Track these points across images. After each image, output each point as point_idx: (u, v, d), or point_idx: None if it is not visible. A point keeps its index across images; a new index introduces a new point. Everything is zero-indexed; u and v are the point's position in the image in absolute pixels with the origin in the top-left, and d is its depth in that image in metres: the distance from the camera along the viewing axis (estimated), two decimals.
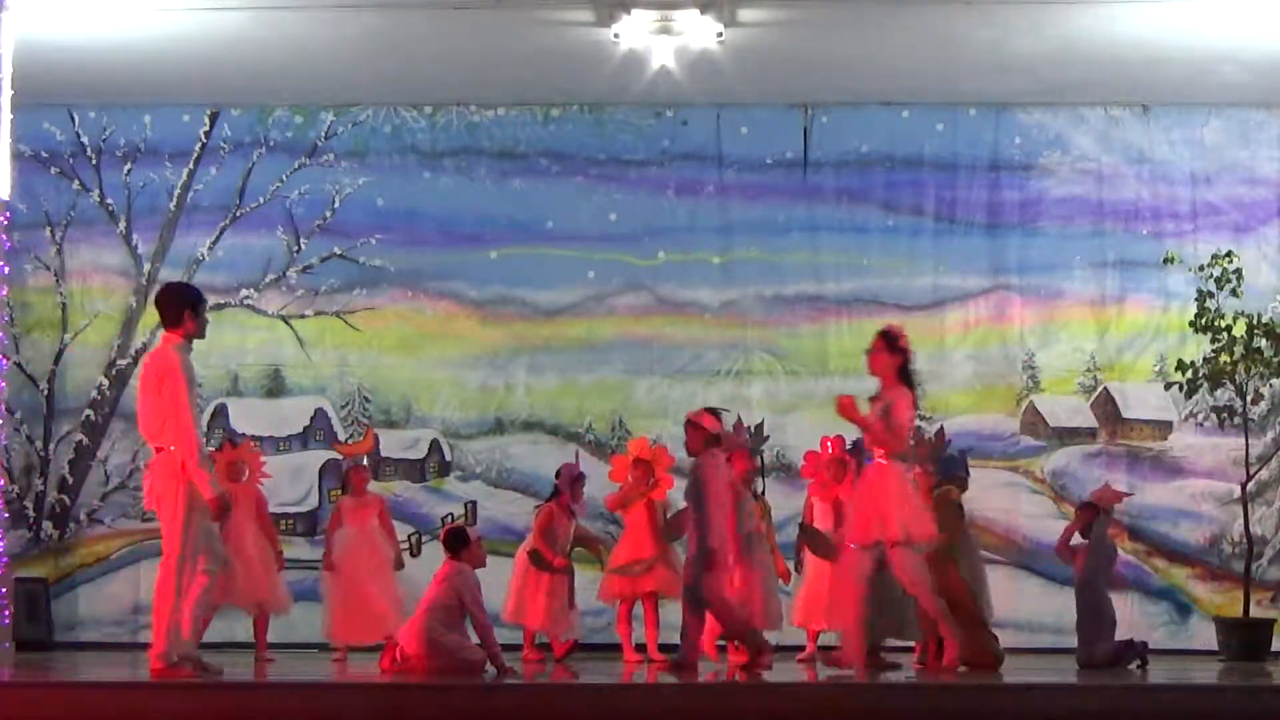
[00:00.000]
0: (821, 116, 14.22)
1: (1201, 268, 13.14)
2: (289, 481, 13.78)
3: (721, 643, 12.12)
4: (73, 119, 14.26)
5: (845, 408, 10.21)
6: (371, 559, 12.25)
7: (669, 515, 12.24)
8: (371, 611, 12.07)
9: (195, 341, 13.95)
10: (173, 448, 9.39)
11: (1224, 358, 12.89)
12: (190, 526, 9.36)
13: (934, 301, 14.13)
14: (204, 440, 9.59)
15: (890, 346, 10.47)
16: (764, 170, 14.20)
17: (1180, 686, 9.89)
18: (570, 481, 12.12)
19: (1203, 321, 12.99)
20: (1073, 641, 13.13)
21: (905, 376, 10.46)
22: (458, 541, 10.46)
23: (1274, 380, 13.28)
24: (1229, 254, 13.11)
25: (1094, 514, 11.73)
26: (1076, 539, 11.80)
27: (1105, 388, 14.04)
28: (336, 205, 14.24)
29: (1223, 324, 12.93)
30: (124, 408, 14.09)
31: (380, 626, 11.90)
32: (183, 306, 9.68)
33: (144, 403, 9.58)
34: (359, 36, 12.59)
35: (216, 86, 13.78)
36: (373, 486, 12.85)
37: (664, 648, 12.24)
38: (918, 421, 13.68)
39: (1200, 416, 13.78)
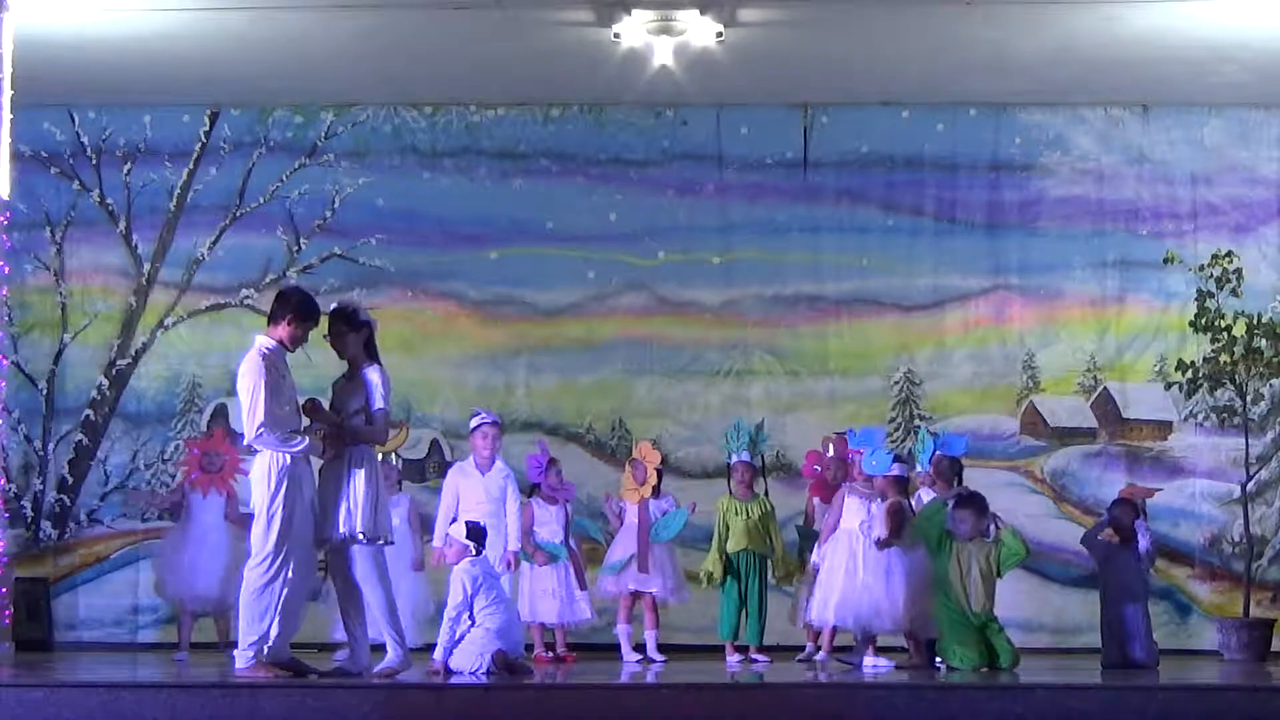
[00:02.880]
0: (821, 116, 14.22)
1: (1201, 268, 13.14)
2: None
3: (737, 642, 12.17)
4: (73, 119, 14.25)
5: (313, 411, 9.72)
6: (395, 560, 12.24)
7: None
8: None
9: (194, 342, 14.21)
10: (255, 446, 9.56)
11: (1224, 358, 12.89)
12: (276, 524, 9.51)
13: (934, 301, 14.12)
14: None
15: (352, 322, 9.83)
16: (764, 170, 14.20)
17: (1180, 686, 9.88)
18: (537, 471, 12.06)
19: (1203, 321, 12.98)
20: (1073, 642, 13.19)
21: (373, 352, 9.87)
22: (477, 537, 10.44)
23: (1274, 380, 13.29)
24: (1229, 254, 13.11)
25: (1134, 512, 11.66)
26: (1109, 535, 11.73)
27: (1105, 388, 14.03)
28: (336, 205, 14.24)
29: (1223, 324, 12.93)
30: (123, 408, 14.11)
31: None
32: (286, 312, 9.75)
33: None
34: (359, 36, 12.58)
35: (216, 86, 13.78)
36: None
37: (663, 647, 12.26)
38: (919, 423, 13.78)
39: (1200, 416, 13.77)
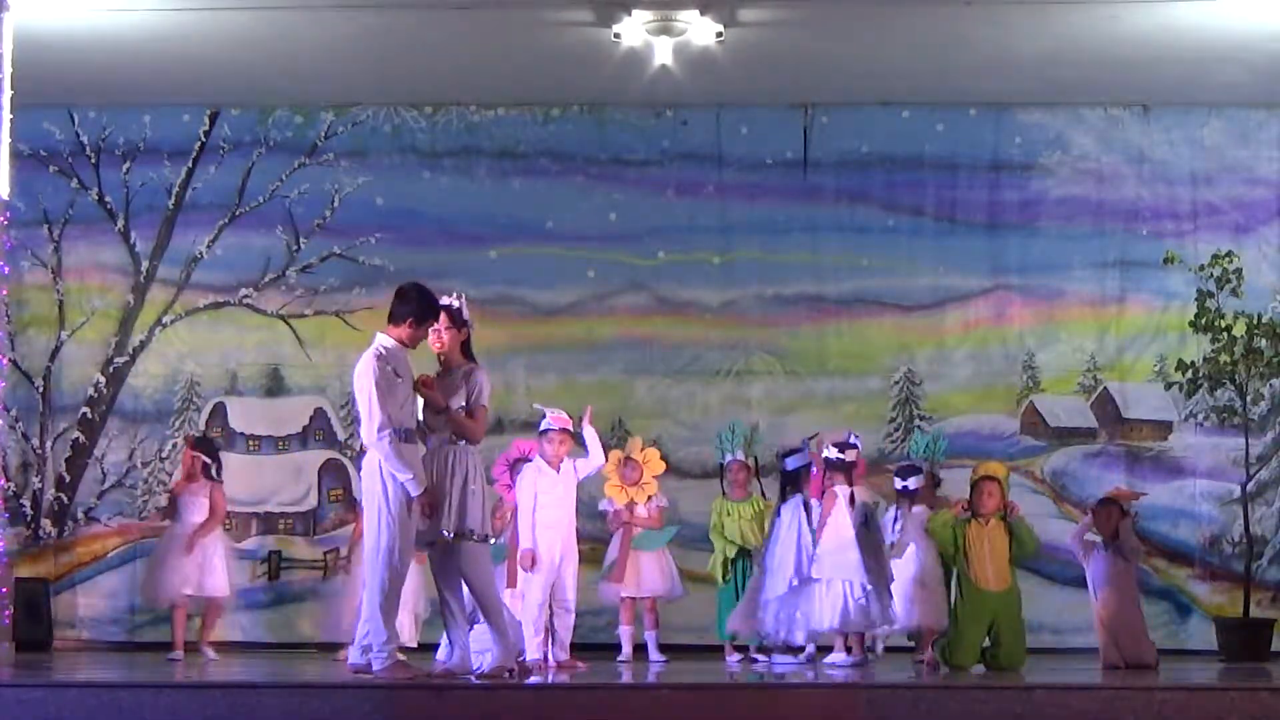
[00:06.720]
0: (821, 116, 14.21)
1: (1201, 268, 13.14)
2: (289, 481, 13.76)
3: (737, 642, 12.15)
4: (72, 118, 14.24)
5: (424, 386, 9.73)
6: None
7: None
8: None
9: (192, 340, 14.18)
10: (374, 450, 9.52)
11: (1224, 358, 12.89)
12: (386, 520, 9.45)
13: (934, 301, 14.11)
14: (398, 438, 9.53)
15: (456, 321, 9.89)
16: (764, 170, 14.19)
17: (1180, 686, 9.87)
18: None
19: (1203, 321, 12.98)
20: (1073, 642, 13.16)
21: (469, 353, 9.97)
22: None
23: (1274, 380, 13.29)
24: (1229, 254, 13.11)
25: (1121, 513, 11.65)
26: (1093, 536, 11.73)
27: (1105, 388, 14.03)
28: (336, 205, 14.23)
29: (1223, 324, 12.93)
30: (121, 405, 14.10)
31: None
32: (407, 313, 9.73)
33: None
34: (359, 36, 12.58)
35: (216, 86, 13.77)
36: None
37: (663, 647, 12.25)
38: (919, 423, 13.77)
39: (1200, 416, 13.76)
